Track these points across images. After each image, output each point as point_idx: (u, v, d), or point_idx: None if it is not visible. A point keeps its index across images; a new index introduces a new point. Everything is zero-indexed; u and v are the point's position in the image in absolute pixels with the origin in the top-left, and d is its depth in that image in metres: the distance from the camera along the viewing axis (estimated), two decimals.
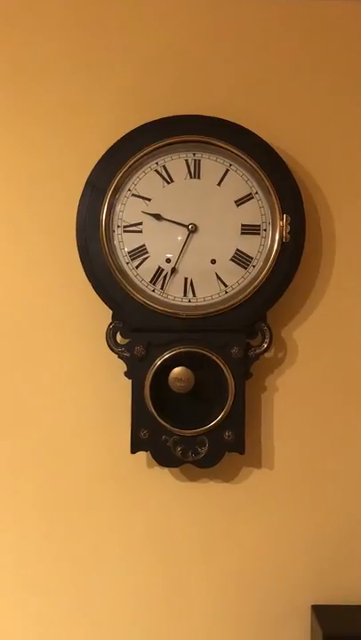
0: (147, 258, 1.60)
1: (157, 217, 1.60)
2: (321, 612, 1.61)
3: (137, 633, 1.68)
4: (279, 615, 1.68)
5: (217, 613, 1.68)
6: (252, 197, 1.61)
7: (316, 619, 1.58)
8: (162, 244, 1.60)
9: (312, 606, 1.65)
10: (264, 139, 1.61)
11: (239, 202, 1.61)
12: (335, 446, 1.69)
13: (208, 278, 1.61)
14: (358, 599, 1.67)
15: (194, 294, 1.61)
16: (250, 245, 1.60)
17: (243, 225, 1.60)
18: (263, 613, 1.68)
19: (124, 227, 1.60)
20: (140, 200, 1.60)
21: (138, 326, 1.60)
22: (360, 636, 1.55)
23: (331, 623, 1.56)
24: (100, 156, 1.61)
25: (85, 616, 1.68)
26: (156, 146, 1.59)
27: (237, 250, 1.60)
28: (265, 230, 1.60)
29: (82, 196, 1.61)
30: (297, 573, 1.68)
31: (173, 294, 1.61)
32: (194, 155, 1.61)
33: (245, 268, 1.60)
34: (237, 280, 1.60)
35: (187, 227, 1.60)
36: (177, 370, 1.58)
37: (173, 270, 1.61)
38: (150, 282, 1.60)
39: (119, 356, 1.62)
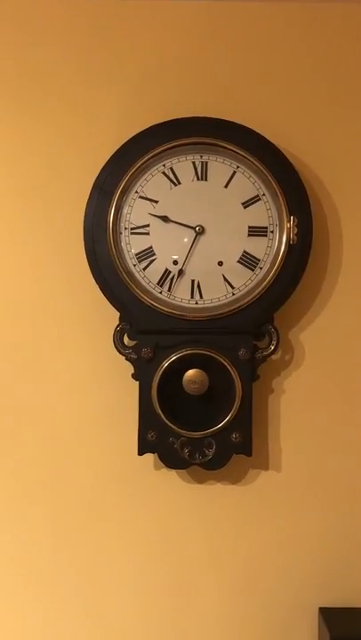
0: (154, 260, 1.61)
1: (164, 219, 1.61)
2: (328, 615, 1.61)
3: (143, 634, 1.68)
4: (286, 617, 1.67)
5: (223, 615, 1.68)
6: (260, 199, 1.60)
7: (324, 621, 1.58)
8: (169, 246, 1.61)
9: (319, 609, 1.65)
10: (271, 140, 1.60)
11: (246, 204, 1.61)
12: (342, 448, 1.68)
13: (215, 280, 1.61)
14: None
15: (201, 296, 1.61)
16: (257, 247, 1.60)
17: (250, 227, 1.60)
18: (270, 615, 1.68)
19: (132, 229, 1.60)
20: (148, 202, 1.61)
21: (145, 328, 1.60)
22: None
23: (338, 626, 1.56)
24: (106, 159, 1.61)
25: (92, 617, 1.68)
26: (163, 148, 1.59)
27: (244, 252, 1.60)
28: (272, 232, 1.60)
29: (89, 198, 1.61)
30: (304, 576, 1.68)
31: (180, 296, 1.61)
32: (201, 157, 1.61)
33: (252, 270, 1.60)
34: (244, 282, 1.60)
35: (194, 229, 1.60)
36: (191, 372, 1.59)
37: (180, 272, 1.61)
38: (157, 284, 1.61)
39: (126, 358, 1.62)
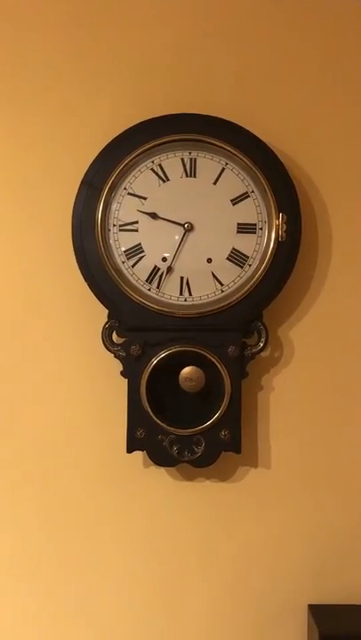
0: (142, 257, 1.60)
1: (153, 216, 1.60)
2: (317, 612, 1.61)
3: (133, 632, 1.67)
4: (276, 614, 1.67)
5: (213, 612, 1.68)
6: (248, 196, 1.60)
7: (313, 618, 1.58)
8: (158, 243, 1.60)
9: (309, 605, 1.65)
10: (260, 137, 1.60)
11: (235, 200, 1.60)
12: (331, 445, 1.69)
13: (204, 277, 1.60)
14: (355, 598, 1.66)
15: (190, 293, 1.60)
16: (246, 244, 1.60)
17: (239, 224, 1.60)
18: (260, 612, 1.68)
19: (120, 225, 1.60)
20: (136, 199, 1.60)
21: (134, 325, 1.60)
22: (356, 636, 1.55)
23: (327, 622, 1.56)
24: (95, 155, 1.60)
25: (81, 615, 1.68)
26: (152, 144, 1.58)
27: (233, 249, 1.60)
28: (261, 229, 1.60)
29: (77, 194, 1.60)
30: (294, 572, 1.68)
31: (169, 293, 1.60)
32: (190, 153, 1.60)
33: (241, 267, 1.60)
34: (233, 279, 1.60)
35: (183, 225, 1.60)
36: (187, 369, 1.59)
37: (169, 269, 1.60)
38: (146, 281, 1.60)
39: (115, 356, 1.61)
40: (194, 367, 1.59)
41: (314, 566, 1.68)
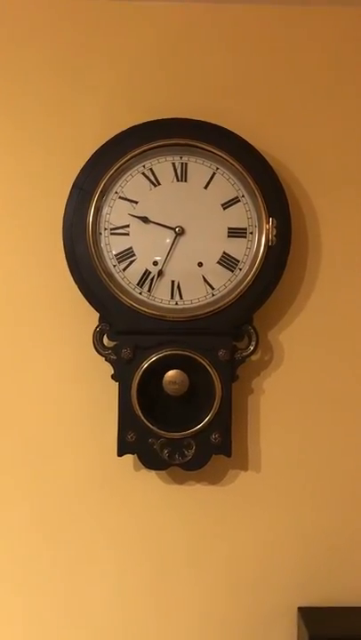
0: (134, 260, 1.61)
1: (144, 220, 1.61)
2: (307, 614, 1.62)
3: (124, 633, 1.67)
4: (266, 617, 1.68)
5: (204, 614, 1.68)
6: (239, 201, 1.61)
7: (302, 620, 1.59)
8: (149, 247, 1.61)
9: (298, 608, 1.65)
10: (250, 142, 1.61)
11: (226, 205, 1.61)
12: (321, 448, 1.69)
13: (195, 281, 1.61)
14: (343, 601, 1.67)
15: (181, 297, 1.61)
16: (236, 248, 1.61)
17: (229, 228, 1.61)
18: (250, 615, 1.68)
19: (111, 229, 1.60)
20: (127, 203, 1.61)
21: (125, 329, 1.60)
22: (344, 637, 1.56)
23: (316, 625, 1.57)
24: (86, 159, 1.60)
25: (73, 617, 1.67)
26: (144, 149, 1.59)
27: (224, 253, 1.61)
28: (251, 233, 1.61)
29: (69, 198, 1.60)
30: (283, 575, 1.68)
31: (160, 297, 1.61)
32: (181, 158, 1.61)
33: (232, 271, 1.61)
34: (224, 283, 1.61)
35: (174, 229, 1.61)
36: (171, 373, 1.59)
37: (160, 273, 1.61)
38: (137, 284, 1.60)
39: (106, 359, 1.62)
40: (178, 370, 1.59)
41: (303, 569, 1.68)
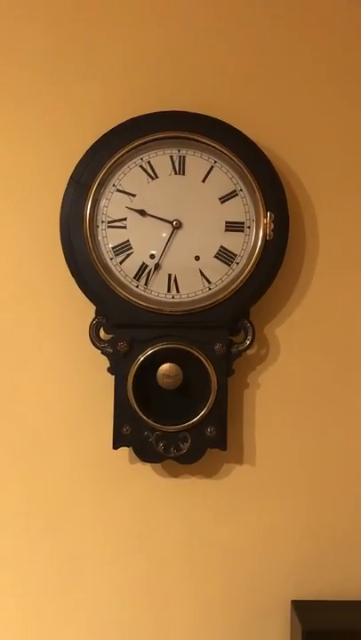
0: (131, 253, 1.60)
1: (142, 213, 1.60)
2: (300, 608, 1.62)
3: (118, 628, 1.68)
4: (260, 610, 1.69)
5: (198, 608, 1.69)
6: (237, 194, 1.61)
7: (296, 614, 1.60)
8: (146, 240, 1.60)
9: (292, 601, 1.66)
10: (249, 136, 1.61)
11: (223, 199, 1.61)
12: (317, 443, 1.70)
13: (192, 275, 1.61)
14: (337, 595, 1.68)
15: (177, 290, 1.61)
16: (234, 242, 1.61)
17: (227, 222, 1.61)
18: (244, 608, 1.69)
19: (109, 222, 1.60)
20: (125, 195, 1.60)
21: (121, 322, 1.60)
22: (338, 631, 1.56)
23: (310, 618, 1.57)
24: (84, 151, 1.60)
25: (66, 610, 1.68)
26: (141, 141, 1.58)
27: (221, 247, 1.61)
28: (249, 227, 1.61)
29: (66, 191, 1.60)
30: (277, 569, 1.69)
31: (157, 290, 1.61)
32: (179, 151, 1.61)
33: (229, 265, 1.61)
34: (221, 277, 1.61)
35: (171, 223, 1.60)
36: (165, 366, 1.59)
37: (157, 266, 1.60)
38: (134, 278, 1.60)
39: (102, 352, 1.62)
40: (172, 364, 1.59)
41: (297, 562, 1.69)
